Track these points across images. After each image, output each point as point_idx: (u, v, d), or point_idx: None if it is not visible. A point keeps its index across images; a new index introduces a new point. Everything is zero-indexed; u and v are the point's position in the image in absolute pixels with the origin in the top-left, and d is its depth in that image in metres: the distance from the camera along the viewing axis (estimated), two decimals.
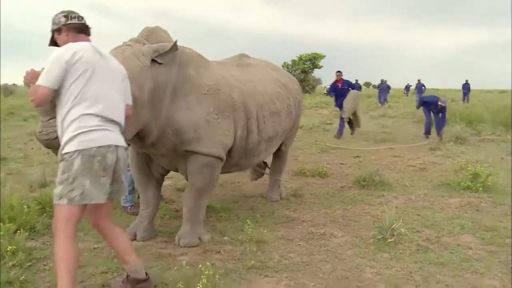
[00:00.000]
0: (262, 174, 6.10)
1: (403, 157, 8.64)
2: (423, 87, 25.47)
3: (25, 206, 4.30)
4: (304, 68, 35.62)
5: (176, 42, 3.63)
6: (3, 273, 3.21)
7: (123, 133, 2.90)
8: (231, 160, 4.30)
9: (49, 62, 2.62)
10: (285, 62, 35.01)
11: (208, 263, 3.20)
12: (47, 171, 6.39)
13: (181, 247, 3.94)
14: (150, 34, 3.85)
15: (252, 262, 3.54)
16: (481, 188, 5.73)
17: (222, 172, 4.28)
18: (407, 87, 36.60)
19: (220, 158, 4.01)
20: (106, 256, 3.70)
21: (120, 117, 2.84)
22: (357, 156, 8.74)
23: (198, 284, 2.88)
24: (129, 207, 4.94)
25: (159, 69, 3.56)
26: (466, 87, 29.83)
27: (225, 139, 4.02)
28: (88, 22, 2.92)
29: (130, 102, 3.04)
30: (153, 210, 4.24)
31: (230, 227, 4.47)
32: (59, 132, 2.72)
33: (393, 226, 4.09)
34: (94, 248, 3.88)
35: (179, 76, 3.75)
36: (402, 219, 4.33)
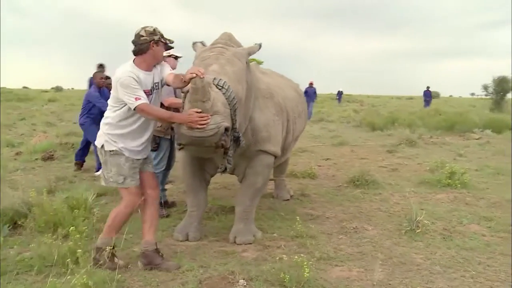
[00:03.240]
0: None
1: (370, 159, 9.40)
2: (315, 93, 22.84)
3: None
4: None
5: (260, 44, 3.94)
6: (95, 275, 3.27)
7: None
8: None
9: None
10: None
11: (301, 255, 3.51)
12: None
13: (238, 244, 4.20)
14: (231, 38, 4.08)
15: (317, 254, 3.91)
16: (459, 185, 6.53)
17: None
18: (340, 93, 36.57)
19: (276, 158, 4.37)
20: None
21: None
22: (328, 159, 9.36)
23: (305, 273, 3.21)
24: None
25: (247, 70, 3.87)
26: (428, 94, 30.06)
27: (281, 140, 4.40)
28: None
29: None
30: (203, 211, 4.47)
31: (267, 225, 4.77)
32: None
33: (418, 218, 4.66)
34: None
35: (251, 79, 4.07)
36: (416, 213, 4.90)
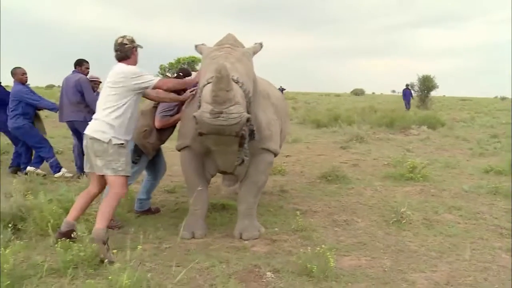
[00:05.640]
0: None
1: (327, 155, 9.85)
2: None
3: None
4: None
5: (261, 44, 4.12)
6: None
7: None
8: None
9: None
10: (161, 65, 34.79)
11: (323, 246, 3.73)
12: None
13: (244, 240, 4.36)
14: (235, 39, 4.19)
15: (323, 246, 4.15)
16: (421, 178, 7.10)
17: None
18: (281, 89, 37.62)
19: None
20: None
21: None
22: (288, 156, 9.68)
23: (331, 260, 3.46)
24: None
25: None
26: (408, 93, 26.81)
27: (279, 139, 4.61)
28: None
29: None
30: (206, 209, 4.58)
31: (263, 220, 4.94)
32: None
33: (402, 209, 5.07)
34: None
35: (255, 79, 4.25)
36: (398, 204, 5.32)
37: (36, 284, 3.22)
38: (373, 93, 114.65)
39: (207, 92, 3.58)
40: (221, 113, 3.40)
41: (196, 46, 4.33)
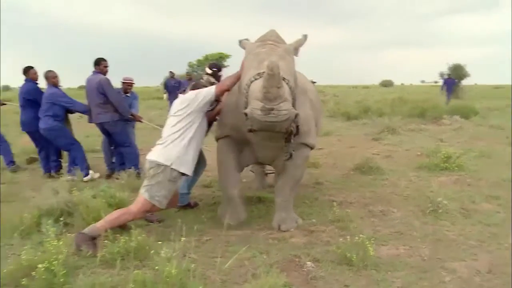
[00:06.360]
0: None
1: (359, 147, 9.83)
2: None
3: None
4: None
5: (306, 36, 4.16)
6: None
7: None
8: None
9: None
10: (190, 62, 35.27)
11: (361, 236, 3.78)
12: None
13: (283, 231, 4.45)
14: (277, 35, 4.23)
15: (361, 235, 4.21)
16: (456, 168, 7.04)
17: None
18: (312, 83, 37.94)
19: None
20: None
21: None
22: (321, 148, 9.70)
23: (370, 249, 3.52)
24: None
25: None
26: (450, 83, 24.42)
27: (315, 134, 4.67)
28: None
29: None
30: (242, 190, 4.73)
31: (300, 211, 5.02)
32: None
33: (438, 199, 5.06)
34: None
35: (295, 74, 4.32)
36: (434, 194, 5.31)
37: (88, 274, 3.38)
38: (402, 84, 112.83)
39: (256, 88, 3.63)
40: (272, 109, 3.46)
41: (240, 42, 4.40)
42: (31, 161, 8.25)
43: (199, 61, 36.79)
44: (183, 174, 4.19)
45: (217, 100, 4.67)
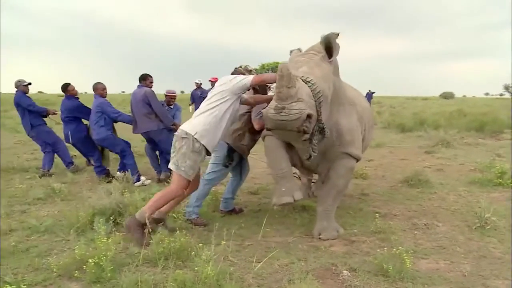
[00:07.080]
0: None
1: (411, 160, 9.67)
2: None
3: None
4: None
5: (337, 34, 4.26)
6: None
7: None
8: None
9: None
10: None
11: (400, 248, 3.81)
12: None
13: (323, 240, 4.51)
14: (320, 46, 4.38)
15: (400, 248, 4.20)
16: (511, 184, 6.79)
17: None
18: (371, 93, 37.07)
19: (357, 162, 4.69)
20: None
21: None
22: (371, 160, 9.64)
23: (407, 261, 3.53)
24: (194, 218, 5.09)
25: (336, 76, 4.33)
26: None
27: (361, 145, 4.71)
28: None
29: None
30: (291, 171, 4.53)
31: (342, 222, 5.06)
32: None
33: (486, 215, 4.94)
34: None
35: (339, 85, 4.42)
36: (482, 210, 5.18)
37: (133, 271, 3.60)
38: (464, 96, 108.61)
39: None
40: (283, 108, 3.62)
41: (290, 52, 4.67)
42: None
43: (255, 70, 37.11)
44: (207, 152, 4.34)
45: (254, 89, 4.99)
